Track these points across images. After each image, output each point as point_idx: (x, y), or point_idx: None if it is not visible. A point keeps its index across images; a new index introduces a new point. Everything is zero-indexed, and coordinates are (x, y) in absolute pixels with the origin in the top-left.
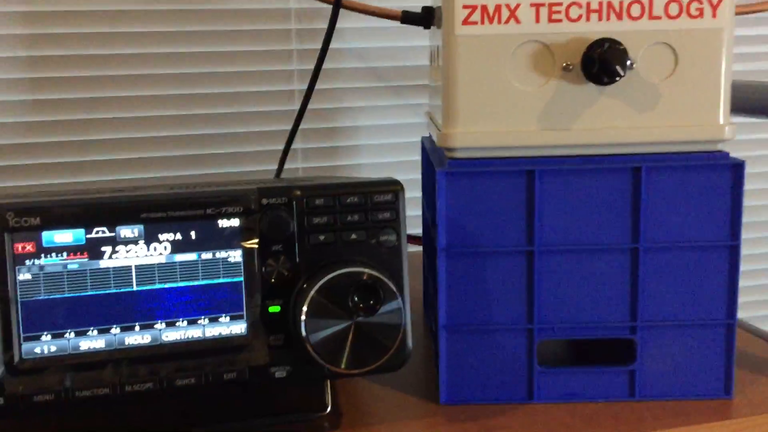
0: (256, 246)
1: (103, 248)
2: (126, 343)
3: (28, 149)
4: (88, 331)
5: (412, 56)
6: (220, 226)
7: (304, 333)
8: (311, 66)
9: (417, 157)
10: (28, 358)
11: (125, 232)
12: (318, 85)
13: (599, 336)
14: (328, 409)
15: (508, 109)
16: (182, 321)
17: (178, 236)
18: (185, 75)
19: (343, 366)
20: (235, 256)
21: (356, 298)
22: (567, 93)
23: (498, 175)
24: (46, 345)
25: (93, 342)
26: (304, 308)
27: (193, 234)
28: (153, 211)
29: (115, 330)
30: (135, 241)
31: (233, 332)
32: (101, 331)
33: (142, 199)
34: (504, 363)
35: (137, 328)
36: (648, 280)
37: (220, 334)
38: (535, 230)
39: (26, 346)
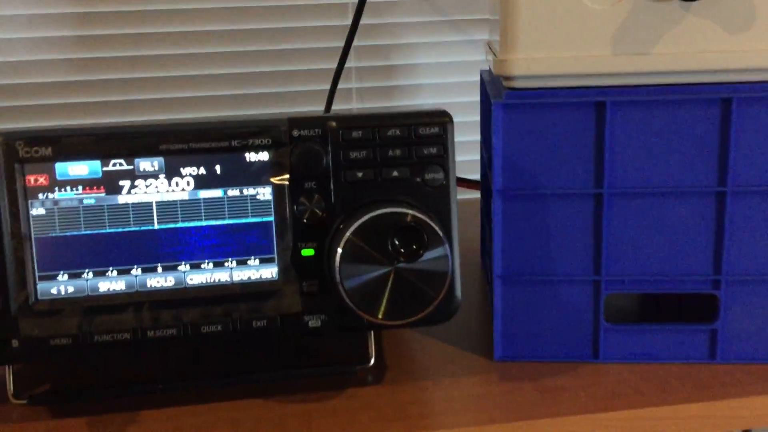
0: (287, 182)
1: (121, 182)
2: (148, 286)
3: (74, 87)
4: (107, 271)
5: None
6: (247, 160)
7: (338, 279)
8: None
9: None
10: (44, 298)
11: (144, 165)
12: (372, 20)
13: (677, 290)
14: (372, 361)
15: (575, 31)
16: (208, 263)
17: (202, 171)
18: (233, 9)
19: (380, 316)
20: (265, 193)
21: (397, 242)
22: (645, 11)
23: (563, 106)
24: (62, 285)
25: (112, 283)
26: (339, 251)
27: (218, 168)
28: (173, 143)
29: (136, 271)
30: (155, 175)
31: (263, 276)
32: (121, 272)
33: (161, 129)
34: (566, 318)
35: (159, 269)
36: (735, 228)
37: (248, 278)
38: (605, 170)
39: (41, 285)
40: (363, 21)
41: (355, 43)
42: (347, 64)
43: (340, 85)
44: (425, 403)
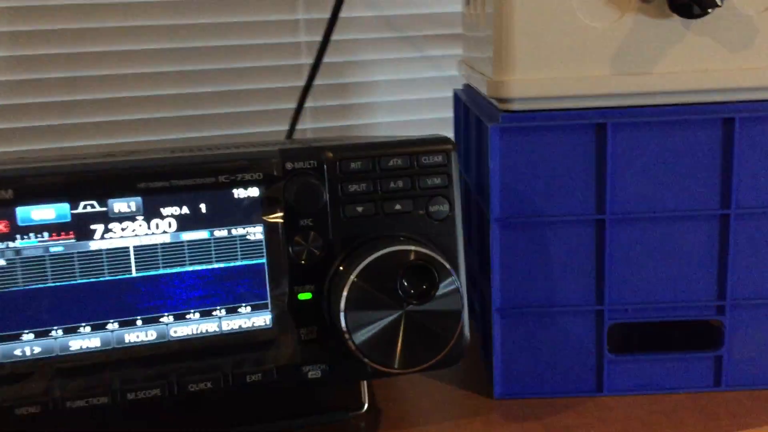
0: (281, 220)
1: (92, 226)
2: (126, 341)
3: (6, 111)
4: (79, 327)
5: (428, 3)
6: (236, 196)
7: (345, 328)
8: (318, 15)
9: (438, 114)
10: (6, 362)
11: (119, 206)
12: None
13: (681, 317)
14: (365, 407)
15: (574, 50)
16: (194, 313)
17: (185, 210)
18: (182, 26)
19: (396, 366)
20: (255, 233)
21: (405, 283)
22: (646, 29)
23: (562, 129)
24: (28, 346)
25: (86, 341)
26: (344, 297)
27: (203, 207)
28: (153, 180)
29: (113, 325)
30: (132, 217)
31: (256, 325)
32: (95, 328)
33: (139, 165)
34: (568, 350)
35: (139, 322)
36: (739, 251)
37: (240, 327)
38: (607, 195)
39: (3, 347)
40: (316, 38)
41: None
42: (300, 83)
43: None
44: None
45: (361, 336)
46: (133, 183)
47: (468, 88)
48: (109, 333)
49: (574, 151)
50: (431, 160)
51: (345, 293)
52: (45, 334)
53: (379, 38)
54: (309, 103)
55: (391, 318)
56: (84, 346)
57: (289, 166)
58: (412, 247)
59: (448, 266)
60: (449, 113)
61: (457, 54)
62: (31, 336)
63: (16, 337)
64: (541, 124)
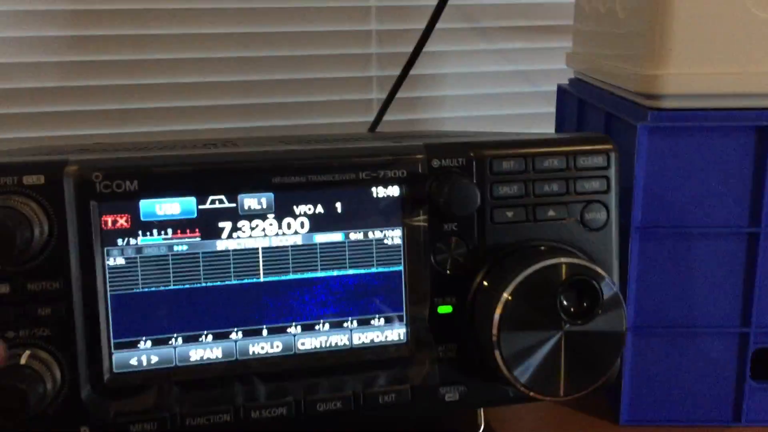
0: (424, 224)
1: (220, 224)
2: (250, 353)
3: (67, 93)
4: (200, 336)
5: None
6: (374, 195)
7: (499, 353)
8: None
9: (512, 110)
10: (121, 372)
11: (250, 202)
12: (398, 25)
13: None
14: (481, 429)
15: (740, 44)
16: (323, 324)
17: (320, 209)
18: (244, 10)
19: (562, 394)
20: (394, 236)
21: (564, 301)
22: None
23: (718, 131)
24: (144, 354)
25: (207, 351)
26: (496, 317)
27: (338, 206)
28: (289, 175)
29: (236, 335)
30: (263, 215)
31: (390, 339)
32: (217, 337)
33: (274, 158)
34: (706, 375)
35: (265, 332)
36: None
37: (372, 341)
38: (764, 206)
39: (118, 356)
40: (389, 26)
41: (379, 50)
42: (368, 73)
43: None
44: None
45: (519, 361)
46: (266, 177)
47: (579, 82)
48: (232, 343)
49: (730, 155)
50: (590, 162)
51: (498, 313)
52: (164, 342)
53: (451, 28)
54: (375, 94)
55: (551, 341)
56: (205, 357)
57: (435, 163)
58: (573, 260)
59: (610, 281)
60: (524, 109)
61: (531, 47)
62: (149, 344)
63: (133, 345)
64: (695, 124)
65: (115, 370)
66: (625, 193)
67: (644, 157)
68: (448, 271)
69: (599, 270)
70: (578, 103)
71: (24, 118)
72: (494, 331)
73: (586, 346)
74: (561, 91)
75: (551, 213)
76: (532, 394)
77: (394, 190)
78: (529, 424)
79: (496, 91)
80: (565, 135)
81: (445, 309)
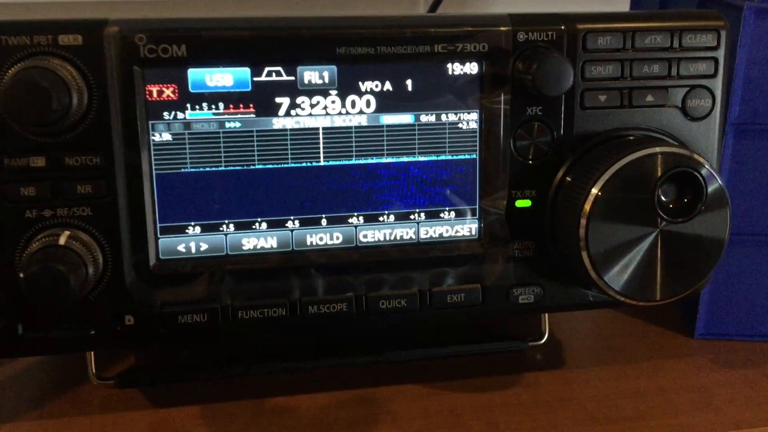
0: (506, 106)
1: (277, 99)
2: (307, 243)
3: None
4: (254, 223)
5: None
6: (450, 72)
7: (587, 254)
8: None
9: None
10: (169, 258)
11: (311, 75)
12: None
13: None
14: (545, 338)
15: None
16: (387, 215)
17: (387, 86)
18: None
19: (658, 297)
20: (469, 120)
21: (662, 196)
22: None
23: None
24: (193, 241)
25: (261, 240)
26: (584, 213)
27: (409, 84)
28: (356, 45)
29: (292, 223)
30: (324, 91)
31: (460, 234)
32: (272, 225)
33: (339, 25)
34: None
35: (324, 222)
36: None
37: (440, 236)
38: None
39: (165, 241)
40: None
41: None
42: None
43: None
44: (637, 397)
45: (609, 264)
46: (330, 47)
47: None
48: (288, 232)
49: None
50: (697, 41)
51: (586, 210)
52: (214, 228)
53: None
54: None
55: (646, 240)
56: (258, 246)
57: (521, 36)
58: (673, 149)
59: (716, 174)
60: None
61: None
62: (198, 230)
63: (181, 230)
64: None
65: (161, 257)
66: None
67: (748, 44)
68: (530, 161)
69: (703, 160)
70: None
71: None
72: (582, 230)
73: (684, 247)
74: None
75: (649, 98)
76: (623, 299)
77: (472, 67)
78: (595, 334)
79: None
80: (670, 10)
81: (523, 203)
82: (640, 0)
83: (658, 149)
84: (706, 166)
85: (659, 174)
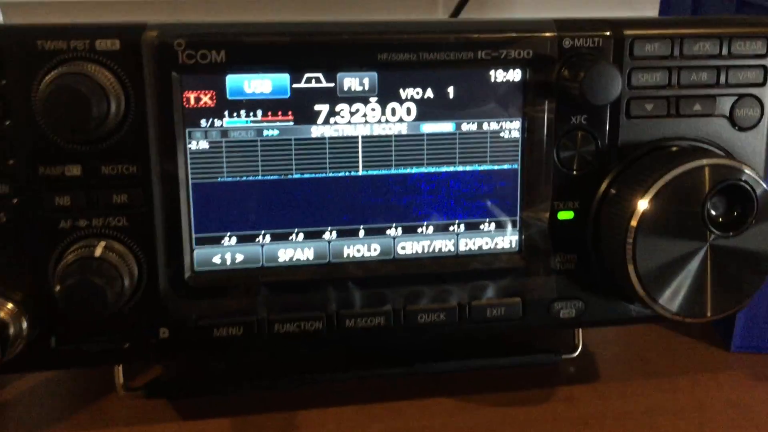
0: (549, 115)
1: (316, 107)
2: (344, 255)
3: None
4: (290, 234)
5: None
6: (492, 80)
7: (633, 268)
8: None
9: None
10: (204, 270)
11: (351, 82)
12: None
13: None
14: (579, 350)
15: None
16: (426, 227)
17: (429, 94)
18: None
19: (709, 314)
20: (512, 129)
21: (711, 210)
22: None
23: None
24: (229, 252)
25: (297, 251)
26: (632, 227)
27: (450, 91)
28: (397, 51)
29: (330, 235)
30: (364, 99)
31: (500, 247)
32: (309, 236)
33: (379, 30)
34: None
35: (361, 233)
36: None
37: (480, 248)
38: None
39: (200, 252)
40: None
41: None
42: None
43: None
44: (676, 415)
45: (656, 279)
46: (371, 53)
47: None
48: (325, 243)
49: None
50: (746, 49)
51: (634, 224)
52: (250, 239)
53: None
54: None
55: (696, 256)
56: (295, 258)
57: (567, 43)
58: (723, 161)
59: (766, 186)
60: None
61: None
62: (234, 241)
63: (217, 241)
64: None
65: (196, 269)
66: None
67: None
68: (574, 172)
69: (753, 173)
70: None
71: None
72: (629, 244)
73: (734, 261)
74: None
75: (697, 107)
76: (672, 316)
77: (515, 74)
78: (629, 346)
79: None
80: (719, 17)
81: (566, 215)
82: (671, 5)
83: (705, 161)
84: (756, 179)
85: (708, 187)
